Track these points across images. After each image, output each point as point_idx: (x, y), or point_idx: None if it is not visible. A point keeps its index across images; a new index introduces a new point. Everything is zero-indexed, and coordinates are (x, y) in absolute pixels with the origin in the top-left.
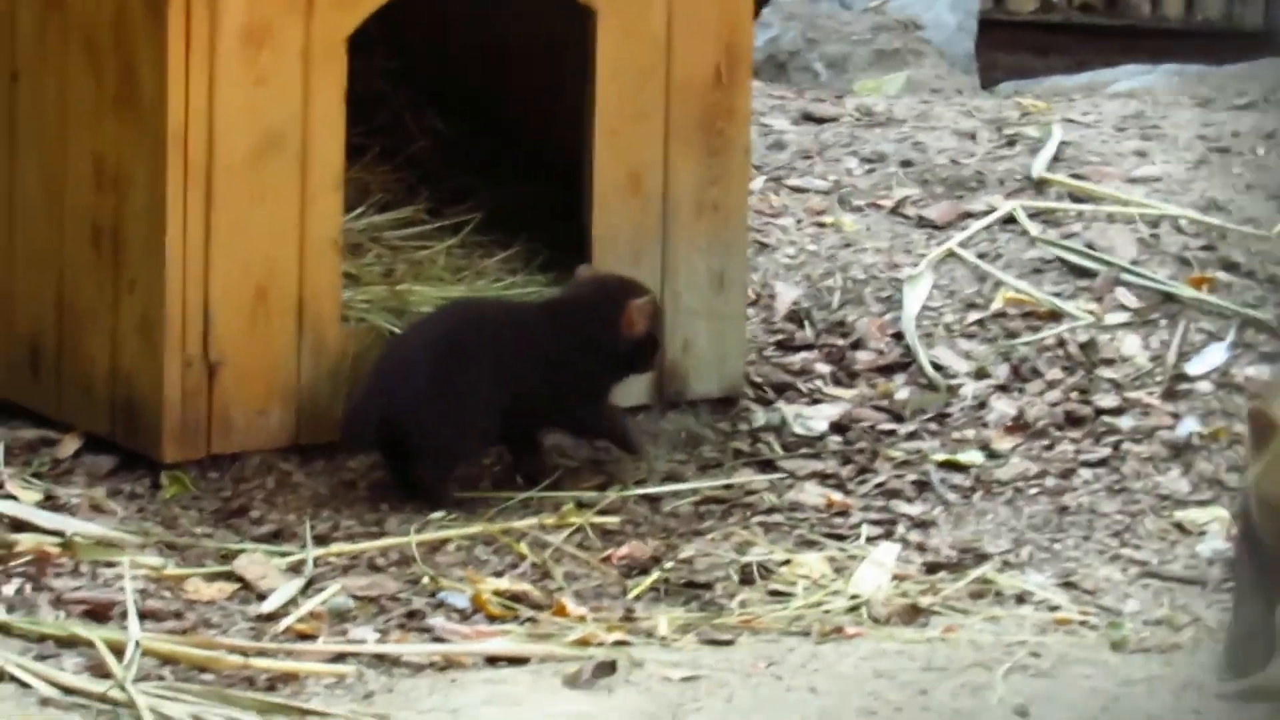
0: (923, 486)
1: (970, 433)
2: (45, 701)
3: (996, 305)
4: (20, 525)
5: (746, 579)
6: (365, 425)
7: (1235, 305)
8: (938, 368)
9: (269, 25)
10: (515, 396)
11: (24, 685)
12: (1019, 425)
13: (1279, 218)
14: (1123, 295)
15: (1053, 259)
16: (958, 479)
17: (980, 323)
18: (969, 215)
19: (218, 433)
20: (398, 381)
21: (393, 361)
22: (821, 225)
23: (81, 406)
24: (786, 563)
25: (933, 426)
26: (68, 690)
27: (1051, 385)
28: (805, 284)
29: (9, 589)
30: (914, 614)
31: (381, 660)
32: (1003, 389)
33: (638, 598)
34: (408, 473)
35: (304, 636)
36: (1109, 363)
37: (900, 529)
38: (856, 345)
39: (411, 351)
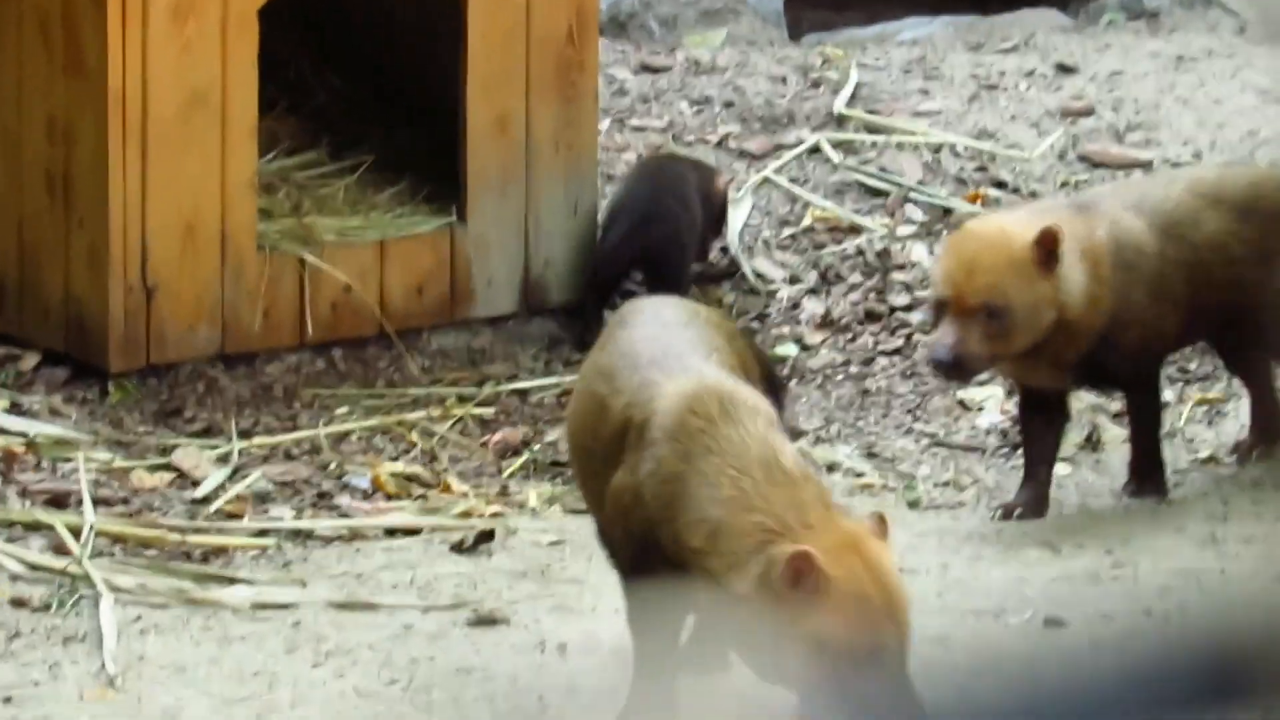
0: None
1: (786, 329)
2: (15, 577)
3: (806, 222)
4: None
5: None
6: (620, 259)
7: None
8: (758, 275)
9: (192, 1)
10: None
11: None
12: (827, 322)
13: (1039, 142)
14: (911, 211)
15: (852, 182)
16: (777, 368)
17: (793, 237)
18: (782, 147)
19: (155, 346)
20: (650, 225)
21: (638, 212)
22: None
23: (40, 327)
24: None
25: (755, 325)
26: (34, 567)
27: (853, 288)
28: None
29: None
30: None
31: (297, 535)
32: (813, 292)
33: (511, 476)
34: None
35: (231, 516)
36: (900, 268)
37: None
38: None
39: (649, 202)
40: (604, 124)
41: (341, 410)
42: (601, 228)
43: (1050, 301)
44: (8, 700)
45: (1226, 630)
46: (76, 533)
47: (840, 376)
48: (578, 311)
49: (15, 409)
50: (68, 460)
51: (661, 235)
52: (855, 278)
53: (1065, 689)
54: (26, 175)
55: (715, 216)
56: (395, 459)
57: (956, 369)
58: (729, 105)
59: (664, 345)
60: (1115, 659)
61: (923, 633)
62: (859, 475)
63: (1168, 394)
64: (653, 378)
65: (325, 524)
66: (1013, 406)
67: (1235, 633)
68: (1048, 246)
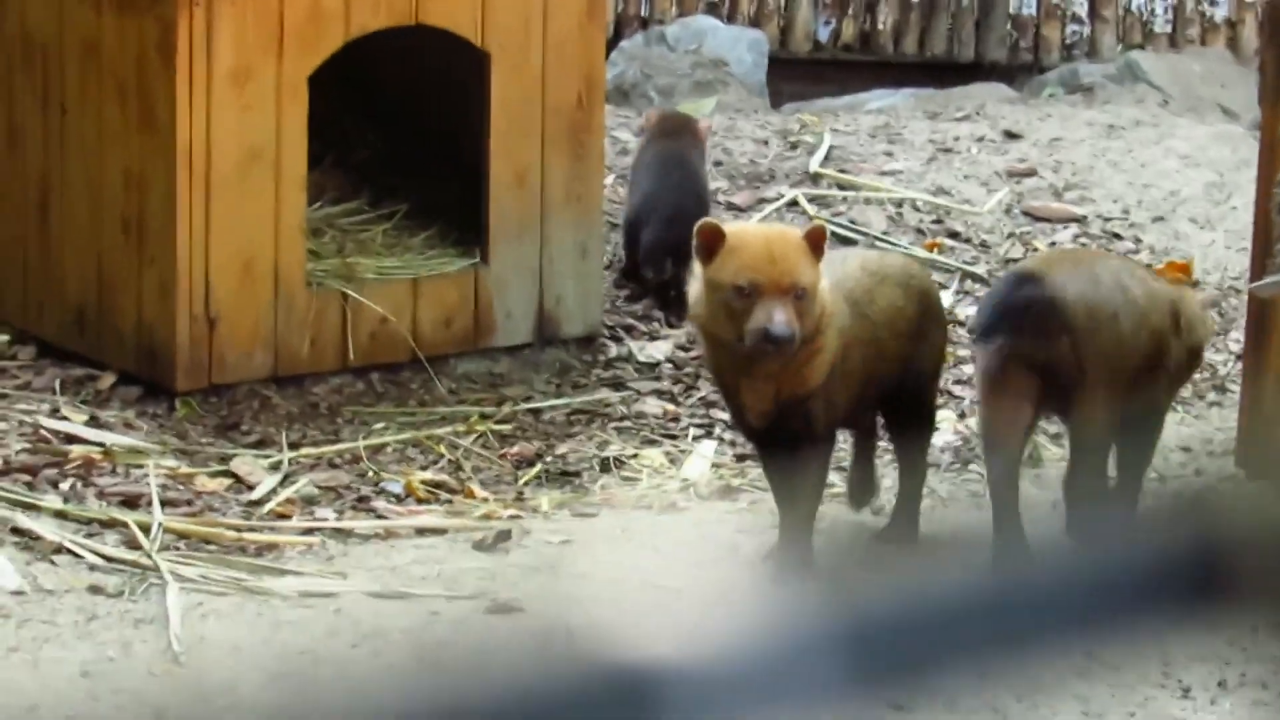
0: None
1: None
2: (93, 568)
3: None
4: (72, 439)
5: (605, 468)
6: (659, 259)
7: (957, 263)
8: None
9: (250, 67)
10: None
11: (77, 556)
12: None
13: (988, 199)
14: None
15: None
16: None
17: None
18: (764, 200)
19: (216, 368)
20: (679, 224)
21: (667, 212)
22: None
23: (116, 351)
24: (635, 456)
25: None
26: (109, 559)
27: None
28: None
29: (65, 485)
30: (728, 492)
31: (339, 533)
32: None
33: (526, 484)
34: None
35: (282, 517)
36: None
37: (717, 430)
38: (684, 297)
39: (677, 203)
40: (609, 179)
41: (379, 426)
42: (627, 226)
43: None
44: (85, 675)
45: (1207, 527)
46: (146, 530)
47: None
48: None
49: (94, 421)
50: (139, 467)
51: (688, 232)
52: None
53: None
54: (105, 218)
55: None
56: (425, 468)
57: None
58: (718, 164)
59: None
60: (1089, 561)
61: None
62: (829, 486)
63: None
64: None
65: (363, 524)
66: (964, 427)
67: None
68: None
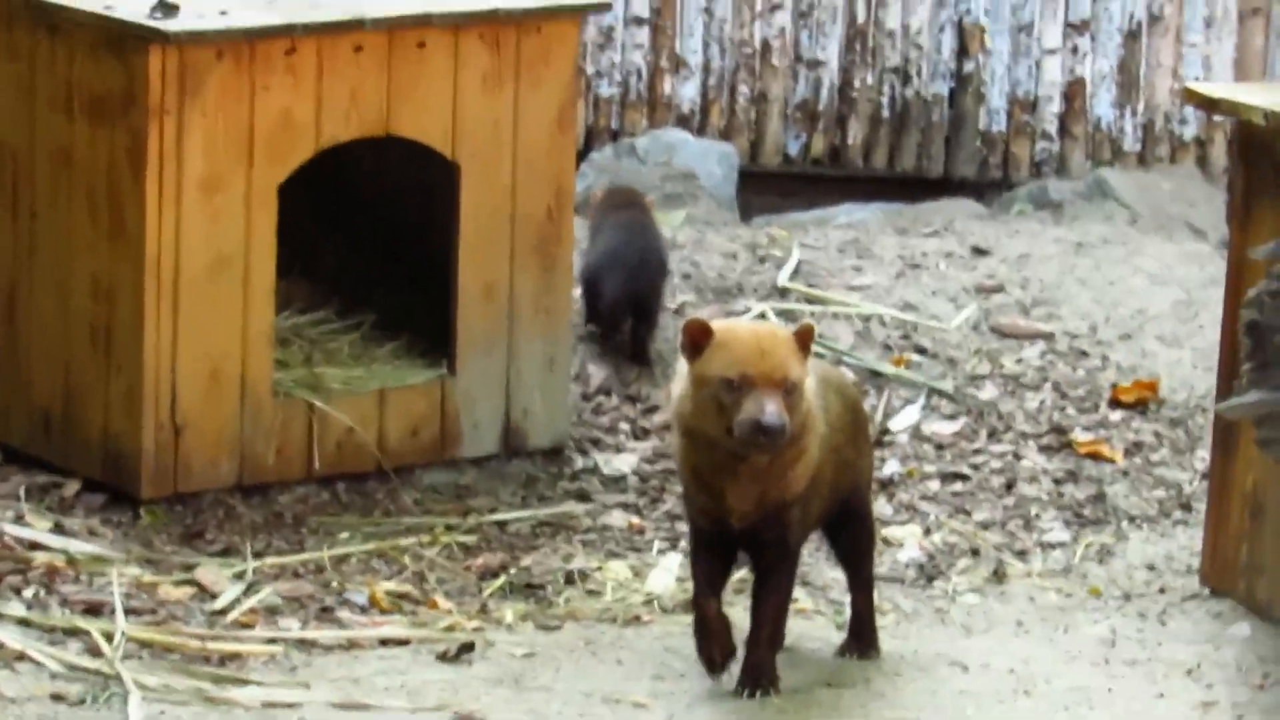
0: None
1: None
2: (55, 675)
3: None
4: (35, 545)
5: (570, 581)
6: (620, 312)
7: (924, 379)
8: None
9: (220, 176)
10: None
11: (39, 664)
12: None
13: (956, 315)
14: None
15: None
16: None
17: None
18: (732, 314)
19: (181, 476)
20: (641, 278)
21: (631, 266)
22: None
23: (81, 458)
24: (599, 569)
25: None
26: (72, 667)
27: None
28: (611, 366)
29: (28, 593)
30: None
31: (303, 643)
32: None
33: (490, 595)
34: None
35: (245, 626)
36: None
37: (682, 543)
38: (649, 410)
39: (639, 257)
40: (577, 291)
41: (343, 535)
42: (587, 277)
43: None
44: None
45: None
46: (109, 638)
47: None
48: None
49: (58, 529)
50: (103, 575)
51: (648, 286)
52: None
53: None
54: (72, 325)
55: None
56: (389, 579)
57: None
58: (686, 277)
59: None
60: None
61: None
62: (794, 601)
63: (1064, 535)
64: None
65: (327, 634)
66: (928, 543)
67: None
68: None
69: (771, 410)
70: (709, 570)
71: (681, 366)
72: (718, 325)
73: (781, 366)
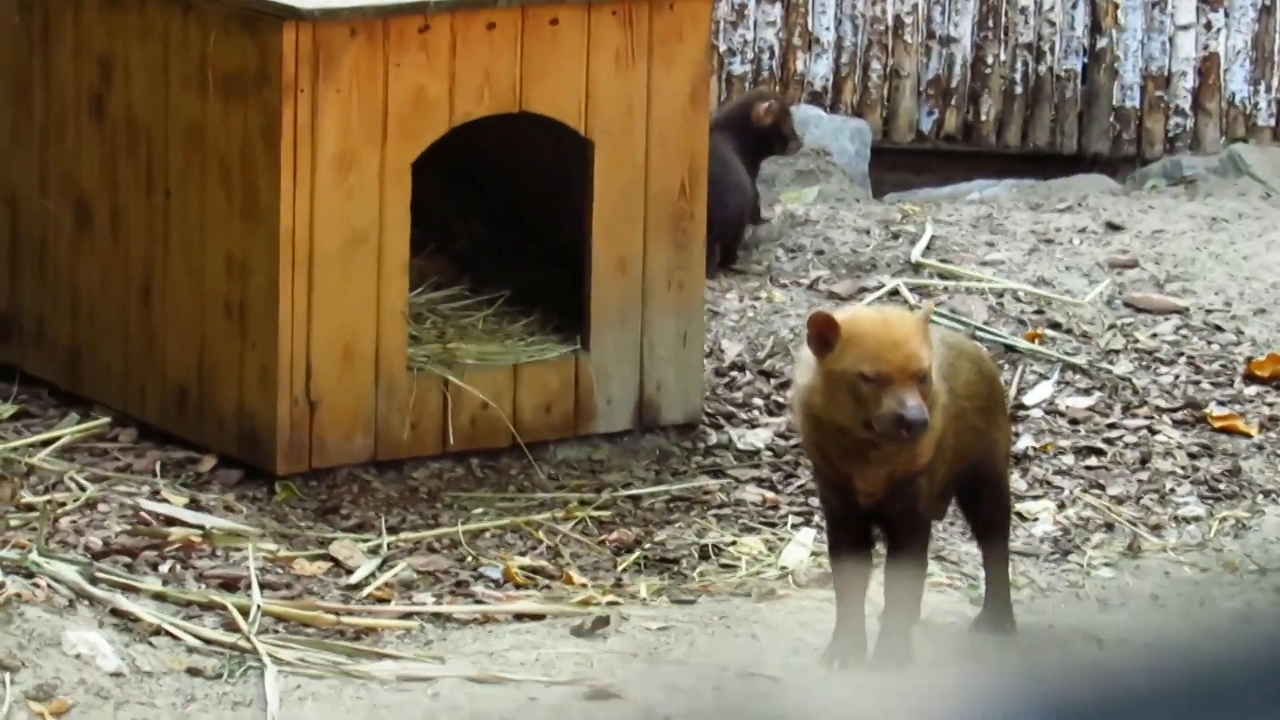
0: None
1: None
2: (191, 650)
3: None
4: (172, 521)
5: (704, 555)
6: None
7: (1058, 354)
8: None
9: (355, 154)
10: None
11: (175, 638)
12: None
13: (1089, 290)
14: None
15: None
16: None
17: None
18: (865, 290)
19: (316, 452)
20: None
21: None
22: (757, 298)
23: (217, 434)
24: (733, 543)
25: None
26: (208, 641)
27: None
28: (745, 341)
29: (164, 568)
30: (827, 580)
31: (437, 617)
32: None
33: (624, 570)
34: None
35: (380, 600)
36: None
37: (816, 518)
38: (783, 385)
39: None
40: None
41: (478, 511)
42: None
43: None
44: None
45: None
46: (245, 612)
47: None
48: None
49: (194, 504)
50: (238, 550)
51: (723, 219)
52: None
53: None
54: (208, 303)
55: (762, 140)
56: (524, 554)
57: None
58: (820, 253)
59: None
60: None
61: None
62: (929, 575)
63: (1199, 509)
64: None
65: (462, 609)
66: (1063, 517)
67: None
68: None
69: (913, 405)
70: (848, 573)
71: (805, 354)
72: (843, 318)
73: (915, 357)
